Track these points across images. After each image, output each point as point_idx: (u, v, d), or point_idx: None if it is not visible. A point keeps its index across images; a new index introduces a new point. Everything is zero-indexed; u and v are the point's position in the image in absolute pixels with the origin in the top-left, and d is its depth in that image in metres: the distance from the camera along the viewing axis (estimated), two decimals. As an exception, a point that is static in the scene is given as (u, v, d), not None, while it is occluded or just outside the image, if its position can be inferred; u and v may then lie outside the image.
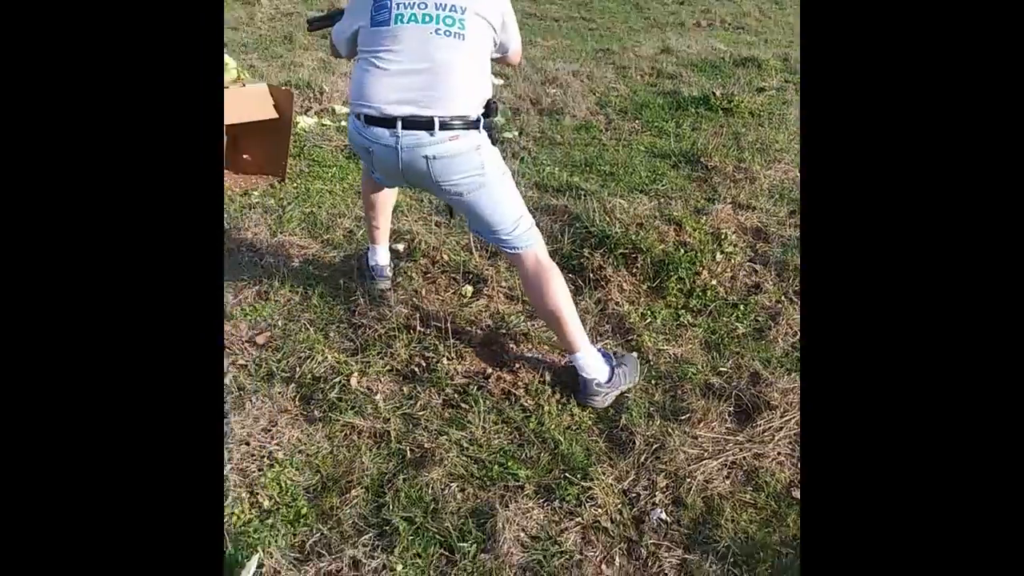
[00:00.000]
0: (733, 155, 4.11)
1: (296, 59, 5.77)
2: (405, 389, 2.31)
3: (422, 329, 2.53)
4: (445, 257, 3.01)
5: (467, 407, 2.23)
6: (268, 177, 3.72)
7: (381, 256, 2.83)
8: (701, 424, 2.19)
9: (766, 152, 4.19)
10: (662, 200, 3.53)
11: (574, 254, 2.98)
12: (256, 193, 3.56)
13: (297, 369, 2.36)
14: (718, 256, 3.00)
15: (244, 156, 3.82)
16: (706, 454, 2.09)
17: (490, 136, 2.21)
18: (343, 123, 4.49)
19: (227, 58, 3.67)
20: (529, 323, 2.62)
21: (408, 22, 2.12)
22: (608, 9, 7.83)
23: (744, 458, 2.09)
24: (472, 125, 2.13)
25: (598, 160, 4.04)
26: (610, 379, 2.27)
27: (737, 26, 7.29)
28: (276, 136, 3.65)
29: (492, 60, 2.28)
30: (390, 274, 2.84)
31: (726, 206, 3.47)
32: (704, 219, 3.29)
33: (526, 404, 2.25)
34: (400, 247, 3.09)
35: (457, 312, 2.66)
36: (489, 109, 2.20)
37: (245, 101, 3.52)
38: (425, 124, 2.08)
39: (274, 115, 3.59)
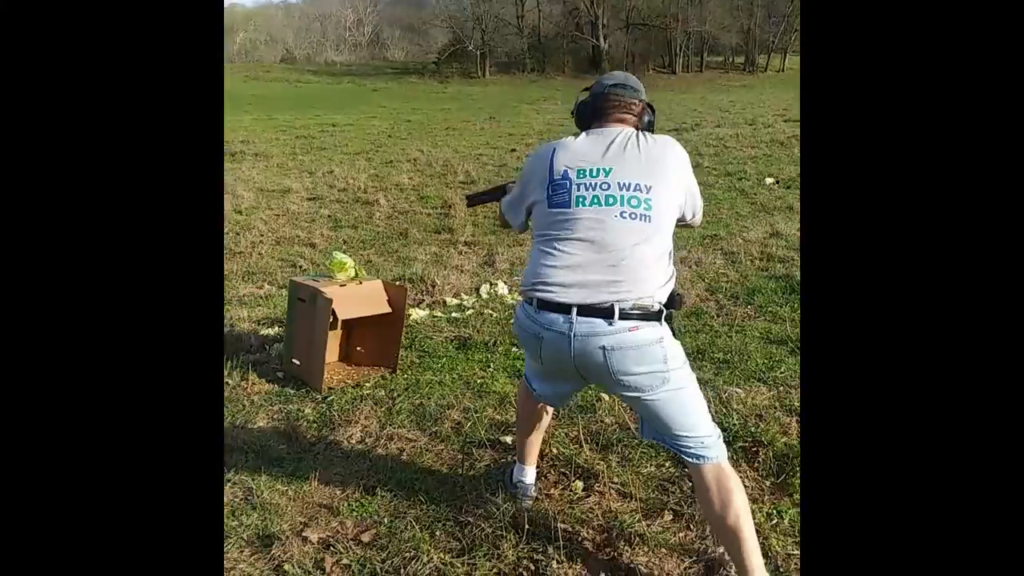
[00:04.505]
0: (854, 340, 3.94)
1: (411, 254, 6.03)
2: (513, 595, 2.17)
3: (530, 528, 2.41)
4: (554, 451, 2.92)
5: (579, 617, 2.07)
6: (380, 369, 3.78)
7: (528, 475, 2.61)
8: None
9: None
10: (781, 389, 3.38)
11: (690, 447, 2.84)
12: (368, 385, 3.61)
13: (402, 570, 2.26)
14: (847, 449, 2.79)
15: (357, 348, 3.91)
16: None
17: (672, 329, 2.03)
18: (453, 314, 4.59)
19: (345, 257, 3.86)
20: (645, 523, 2.46)
21: (590, 205, 2.00)
22: (714, 196, 7.97)
23: None
24: (653, 316, 1.96)
25: (710, 347, 3.94)
26: None
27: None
28: (389, 329, 3.74)
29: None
30: (534, 493, 2.60)
31: (851, 394, 3.27)
32: (828, 409, 3.11)
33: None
34: (508, 439, 3.03)
35: (567, 510, 2.54)
36: (672, 301, 2.03)
37: (360, 297, 3.66)
38: (604, 312, 1.93)
39: (387, 310, 3.70)
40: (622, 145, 2.07)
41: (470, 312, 4.64)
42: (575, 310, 1.95)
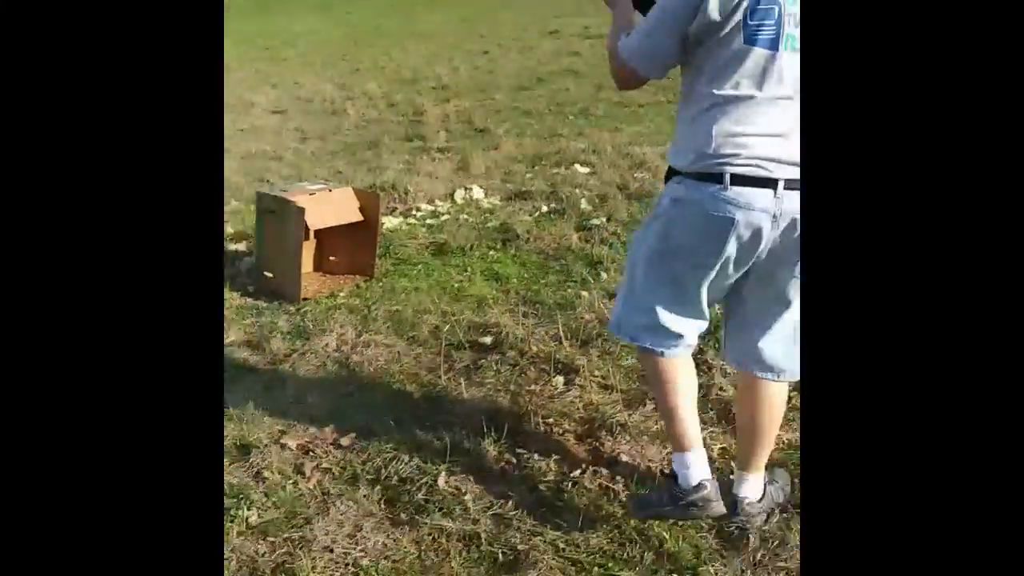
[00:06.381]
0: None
1: (382, 163, 5.89)
2: (496, 488, 2.17)
3: (510, 424, 2.40)
4: (534, 349, 2.90)
5: (562, 505, 2.08)
6: (355, 278, 3.72)
7: (701, 466, 1.89)
8: (823, 517, 1.97)
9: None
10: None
11: (669, 337, 2.82)
12: (342, 295, 3.56)
13: (383, 470, 2.26)
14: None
15: (331, 257, 3.84)
16: (832, 552, 1.86)
17: None
18: (428, 221, 4.50)
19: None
20: (626, 413, 2.46)
21: (791, 49, 1.58)
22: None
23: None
24: None
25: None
26: (761, 498, 1.99)
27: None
28: (363, 237, 3.66)
29: None
30: (717, 497, 1.86)
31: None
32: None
33: (626, 500, 2.09)
34: (487, 340, 3.00)
35: (548, 405, 2.53)
36: None
37: (332, 206, 3.57)
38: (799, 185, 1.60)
39: (359, 218, 3.61)
40: None
41: (445, 218, 4.56)
42: (782, 184, 1.61)
